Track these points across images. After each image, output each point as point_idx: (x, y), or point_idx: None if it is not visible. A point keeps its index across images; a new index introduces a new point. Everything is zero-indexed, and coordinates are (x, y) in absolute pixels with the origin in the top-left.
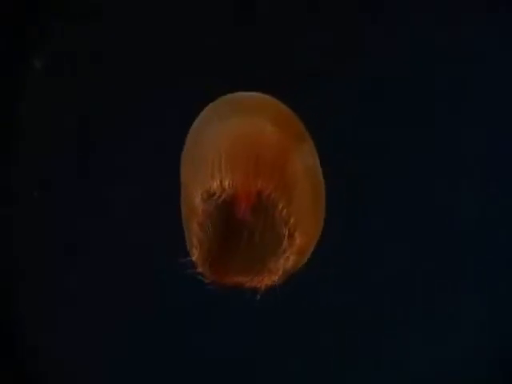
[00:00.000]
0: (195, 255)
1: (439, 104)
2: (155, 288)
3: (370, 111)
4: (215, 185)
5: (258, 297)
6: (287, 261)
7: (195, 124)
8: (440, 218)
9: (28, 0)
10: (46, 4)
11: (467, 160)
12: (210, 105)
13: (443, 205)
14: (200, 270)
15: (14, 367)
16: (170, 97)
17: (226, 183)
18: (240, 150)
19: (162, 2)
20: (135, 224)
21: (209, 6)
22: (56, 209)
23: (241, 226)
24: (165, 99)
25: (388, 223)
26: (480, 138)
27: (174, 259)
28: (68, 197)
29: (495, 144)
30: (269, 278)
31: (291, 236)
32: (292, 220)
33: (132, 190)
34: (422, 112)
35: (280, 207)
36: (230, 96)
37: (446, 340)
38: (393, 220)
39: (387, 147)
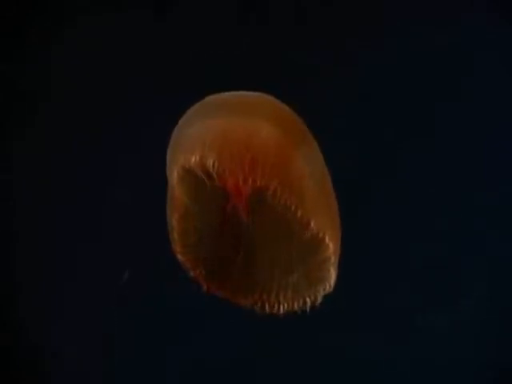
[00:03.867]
0: (178, 254)
1: (439, 104)
2: (153, 289)
3: (369, 112)
4: (193, 160)
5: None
6: (328, 276)
7: (182, 120)
8: (439, 218)
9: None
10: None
11: (467, 160)
12: (198, 104)
13: (442, 205)
14: (191, 274)
15: (14, 367)
16: (165, 99)
17: (210, 162)
18: (231, 138)
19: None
20: (131, 226)
21: (207, 7)
22: (55, 211)
23: (240, 231)
24: (160, 101)
25: (387, 223)
26: (480, 137)
27: (170, 261)
28: (65, 200)
29: (495, 144)
30: (296, 302)
31: (321, 243)
32: (313, 223)
33: (124, 193)
34: (421, 113)
35: (293, 208)
36: (219, 95)
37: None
38: (391, 220)
39: (387, 148)
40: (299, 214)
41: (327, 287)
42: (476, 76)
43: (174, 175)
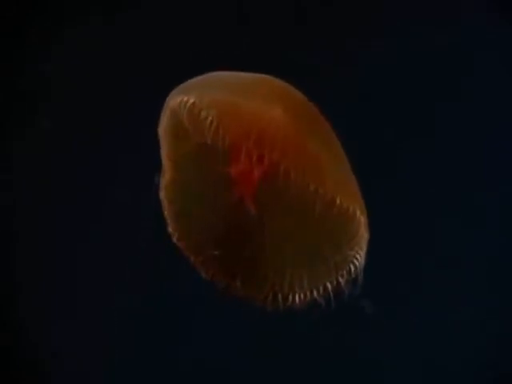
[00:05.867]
0: (173, 238)
1: (439, 104)
2: (153, 289)
3: (369, 112)
4: (184, 99)
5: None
6: (359, 255)
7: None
8: (439, 218)
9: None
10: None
11: (467, 160)
12: (204, 76)
13: (442, 205)
14: (191, 260)
15: (14, 367)
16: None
17: (205, 114)
18: (235, 111)
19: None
20: (131, 226)
21: (208, 6)
22: (55, 211)
23: (246, 218)
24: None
25: (387, 223)
26: (480, 137)
27: (170, 261)
28: (65, 200)
29: (495, 144)
30: (315, 290)
31: (351, 218)
32: (339, 199)
33: (124, 193)
34: (421, 113)
35: (313, 187)
36: (229, 72)
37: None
38: (391, 220)
39: (387, 148)
40: (321, 191)
41: (354, 269)
42: (476, 76)
43: (162, 124)
